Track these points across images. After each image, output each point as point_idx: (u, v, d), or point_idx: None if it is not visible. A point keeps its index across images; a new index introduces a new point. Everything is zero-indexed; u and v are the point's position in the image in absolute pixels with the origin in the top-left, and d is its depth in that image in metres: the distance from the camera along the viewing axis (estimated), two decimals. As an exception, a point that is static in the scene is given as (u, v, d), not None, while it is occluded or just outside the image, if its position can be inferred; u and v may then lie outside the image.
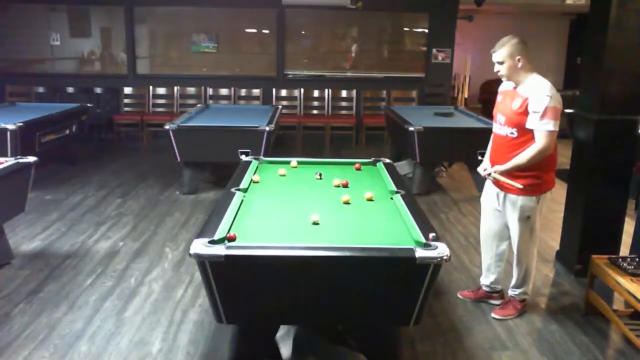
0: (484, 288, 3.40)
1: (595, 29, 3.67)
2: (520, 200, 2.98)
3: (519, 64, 2.87)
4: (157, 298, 3.38)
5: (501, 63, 2.90)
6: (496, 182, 3.07)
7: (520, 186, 2.87)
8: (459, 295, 3.46)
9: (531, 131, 2.85)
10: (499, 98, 3.13)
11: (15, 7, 8.19)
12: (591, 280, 3.25)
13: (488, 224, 3.27)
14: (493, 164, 3.05)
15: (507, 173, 2.94)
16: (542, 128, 2.79)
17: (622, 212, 3.76)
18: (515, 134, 2.90)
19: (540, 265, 3.99)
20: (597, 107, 3.62)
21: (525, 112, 2.83)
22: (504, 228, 3.19)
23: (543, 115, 2.76)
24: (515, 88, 2.96)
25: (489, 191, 3.20)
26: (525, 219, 3.01)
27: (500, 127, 3.00)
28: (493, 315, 3.22)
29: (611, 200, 3.72)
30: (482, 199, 3.30)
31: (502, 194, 3.07)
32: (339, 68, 8.64)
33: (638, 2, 3.47)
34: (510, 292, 3.26)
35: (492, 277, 3.35)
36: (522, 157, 2.86)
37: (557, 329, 3.13)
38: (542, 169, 2.92)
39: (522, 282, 3.21)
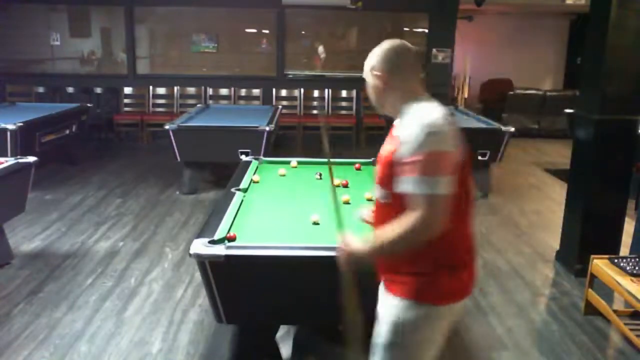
0: None
1: (595, 29, 3.67)
2: (394, 308, 1.69)
3: (380, 83, 1.74)
4: (157, 298, 3.38)
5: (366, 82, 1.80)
6: (380, 271, 1.81)
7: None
8: None
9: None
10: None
11: (15, 7, 8.19)
12: (591, 280, 3.25)
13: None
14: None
15: (385, 264, 1.75)
16: (413, 191, 1.54)
17: (622, 212, 3.76)
18: (389, 200, 1.67)
19: (540, 265, 3.99)
20: (597, 107, 3.62)
21: (391, 164, 1.62)
22: None
23: (411, 169, 1.54)
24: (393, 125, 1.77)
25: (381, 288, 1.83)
26: (393, 347, 1.71)
27: (376, 187, 1.75)
28: None
29: (611, 200, 3.72)
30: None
31: (383, 291, 1.78)
32: (338, 68, 8.64)
33: (638, 2, 3.47)
34: None
35: None
36: (383, 235, 1.62)
37: (557, 329, 3.13)
38: (433, 261, 1.64)
39: None
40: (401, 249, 1.60)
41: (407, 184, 1.56)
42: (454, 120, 1.64)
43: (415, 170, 1.53)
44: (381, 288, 1.80)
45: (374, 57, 1.77)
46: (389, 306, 1.70)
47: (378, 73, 1.73)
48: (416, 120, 1.59)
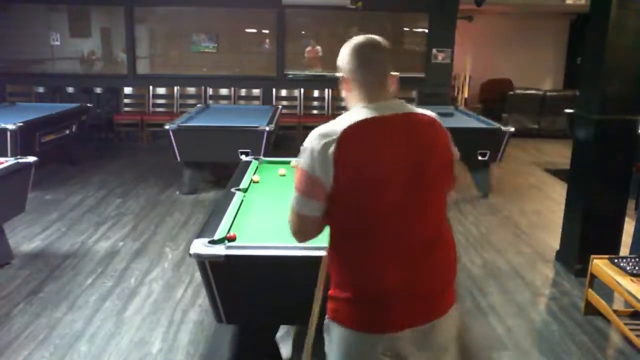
0: None
1: (595, 29, 3.67)
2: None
3: (344, 85, 1.60)
4: (157, 298, 3.38)
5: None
6: None
7: None
8: None
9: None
10: None
11: (15, 7, 8.19)
12: (591, 280, 3.25)
13: None
14: None
15: None
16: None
17: (622, 212, 3.76)
18: None
19: (541, 265, 3.99)
20: (597, 107, 3.62)
21: None
22: None
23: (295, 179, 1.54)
24: None
25: None
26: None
27: None
28: None
29: (611, 200, 3.72)
30: None
31: None
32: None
33: (638, 2, 3.47)
34: None
35: None
36: None
37: (557, 329, 3.13)
38: (336, 279, 1.54)
39: None
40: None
41: None
42: (372, 130, 1.44)
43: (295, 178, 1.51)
44: None
45: (339, 58, 1.59)
46: None
47: (341, 74, 1.59)
48: (317, 130, 1.49)
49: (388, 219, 1.45)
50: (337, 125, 1.45)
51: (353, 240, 1.48)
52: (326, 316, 1.59)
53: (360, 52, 1.53)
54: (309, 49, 8.59)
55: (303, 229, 1.54)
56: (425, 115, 1.55)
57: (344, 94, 1.60)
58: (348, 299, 1.49)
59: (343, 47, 1.59)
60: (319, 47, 8.59)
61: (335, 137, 1.41)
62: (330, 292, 1.55)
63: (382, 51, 1.56)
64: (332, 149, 1.40)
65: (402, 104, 1.55)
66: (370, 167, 1.42)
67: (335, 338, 1.55)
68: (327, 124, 1.48)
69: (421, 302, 1.49)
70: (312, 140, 1.45)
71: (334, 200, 1.45)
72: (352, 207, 1.45)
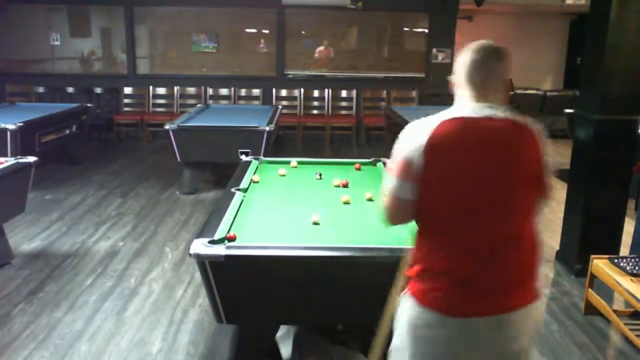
0: None
1: (595, 29, 3.66)
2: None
3: (453, 86, 1.72)
4: (157, 298, 3.38)
5: None
6: None
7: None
8: None
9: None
10: None
11: (15, 7, 8.19)
12: (591, 280, 3.25)
13: None
14: None
15: None
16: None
17: (622, 212, 3.76)
18: None
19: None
20: (597, 107, 3.62)
21: None
22: None
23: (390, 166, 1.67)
24: None
25: None
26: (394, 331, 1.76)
27: None
28: None
29: (611, 200, 3.72)
30: None
31: None
32: (338, 68, 8.65)
33: (638, 2, 3.47)
34: None
35: None
36: None
37: (557, 329, 3.13)
38: (418, 259, 1.66)
39: None
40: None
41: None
42: (462, 128, 1.55)
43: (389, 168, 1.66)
44: None
45: (457, 64, 1.71)
46: None
47: (452, 75, 1.72)
48: (416, 123, 1.63)
49: (469, 213, 1.55)
50: (434, 119, 1.58)
51: (436, 229, 1.61)
52: (404, 291, 1.70)
53: (476, 54, 1.65)
54: (321, 48, 8.59)
55: (397, 213, 1.66)
56: (522, 122, 1.59)
57: (454, 91, 1.71)
58: (427, 282, 1.60)
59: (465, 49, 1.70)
60: (331, 48, 8.59)
61: (429, 130, 1.54)
62: (410, 272, 1.67)
63: (495, 55, 1.66)
64: (424, 140, 1.53)
65: (503, 109, 1.60)
66: (457, 163, 1.54)
67: (408, 311, 1.65)
68: (426, 117, 1.60)
69: (493, 294, 1.57)
70: (409, 131, 1.60)
71: (422, 189, 1.56)
72: (437, 198, 1.57)
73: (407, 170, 1.56)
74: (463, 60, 1.66)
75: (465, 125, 1.55)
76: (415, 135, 1.56)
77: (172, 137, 5.30)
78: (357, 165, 3.71)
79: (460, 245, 1.57)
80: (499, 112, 1.57)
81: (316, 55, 8.60)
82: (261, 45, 8.55)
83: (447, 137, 1.53)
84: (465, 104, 1.62)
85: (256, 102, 8.41)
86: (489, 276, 1.56)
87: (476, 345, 1.57)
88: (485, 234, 1.56)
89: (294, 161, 3.74)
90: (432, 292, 1.58)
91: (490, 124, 1.55)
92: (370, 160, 3.82)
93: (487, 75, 1.62)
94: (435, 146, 1.52)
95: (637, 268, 3.04)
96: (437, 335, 1.58)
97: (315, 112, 8.54)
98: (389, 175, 1.64)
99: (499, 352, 1.60)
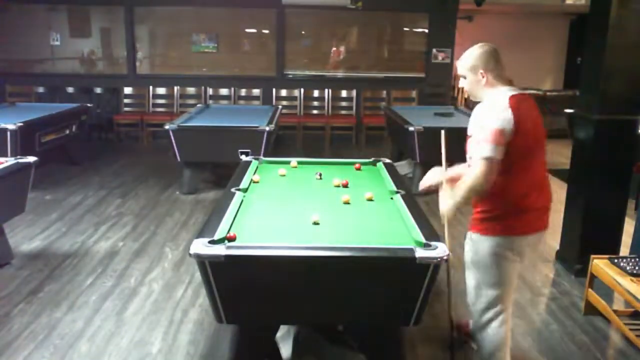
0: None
1: (595, 29, 3.67)
2: (470, 239, 2.46)
3: (483, 80, 2.30)
4: (157, 298, 3.38)
5: (464, 77, 2.39)
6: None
7: None
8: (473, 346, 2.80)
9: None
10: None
11: (15, 7, 8.19)
12: (591, 280, 3.25)
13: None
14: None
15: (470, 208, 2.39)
16: (477, 154, 2.19)
17: (622, 212, 3.76)
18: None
19: (540, 265, 3.99)
20: (597, 107, 3.62)
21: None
22: None
23: (482, 139, 2.18)
24: None
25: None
26: (477, 268, 2.43)
27: (468, 156, 2.38)
28: None
29: (611, 200, 3.72)
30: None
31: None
32: (334, 68, 8.65)
33: (638, 2, 3.47)
34: None
35: None
36: (459, 187, 2.31)
37: (557, 329, 3.13)
38: (501, 206, 2.29)
39: None
40: (466, 196, 2.28)
41: (474, 148, 2.23)
42: (519, 101, 2.24)
43: (482, 139, 2.19)
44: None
45: (472, 59, 2.34)
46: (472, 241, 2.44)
47: (481, 70, 2.31)
48: (491, 103, 2.25)
49: (533, 160, 2.30)
50: (502, 100, 2.23)
51: (512, 173, 2.24)
52: (472, 232, 2.43)
53: (494, 53, 2.34)
54: (334, 49, 8.59)
55: (492, 174, 2.19)
56: (531, 96, 2.40)
57: (475, 84, 2.34)
58: (500, 215, 2.30)
59: (475, 50, 2.36)
60: (342, 49, 8.60)
61: (507, 107, 2.20)
62: (480, 215, 2.37)
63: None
64: (510, 114, 2.18)
65: (516, 88, 2.32)
66: (528, 123, 2.23)
67: (484, 246, 2.36)
68: (493, 102, 2.25)
69: (542, 215, 2.36)
70: (498, 110, 2.20)
71: (510, 149, 2.19)
72: (520, 151, 2.22)
73: (502, 137, 2.16)
74: (492, 57, 2.32)
75: (520, 100, 2.25)
76: (500, 113, 2.19)
77: (172, 137, 5.30)
78: (357, 165, 3.71)
79: (533, 180, 2.30)
80: (519, 90, 2.31)
81: (332, 56, 8.60)
82: (246, 47, 8.53)
83: (519, 109, 2.21)
84: (504, 87, 2.30)
85: (256, 102, 8.42)
86: (542, 202, 2.34)
87: (527, 253, 2.40)
88: (542, 171, 2.35)
89: (294, 161, 3.74)
90: (511, 223, 2.30)
91: (526, 98, 2.31)
92: (370, 160, 3.82)
93: (503, 67, 2.34)
94: (517, 117, 2.18)
95: (637, 268, 3.04)
96: (515, 253, 2.33)
97: (315, 112, 8.54)
98: (485, 146, 2.16)
99: (531, 257, 2.38)
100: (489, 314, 2.44)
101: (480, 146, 2.17)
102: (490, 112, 2.20)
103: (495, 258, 2.35)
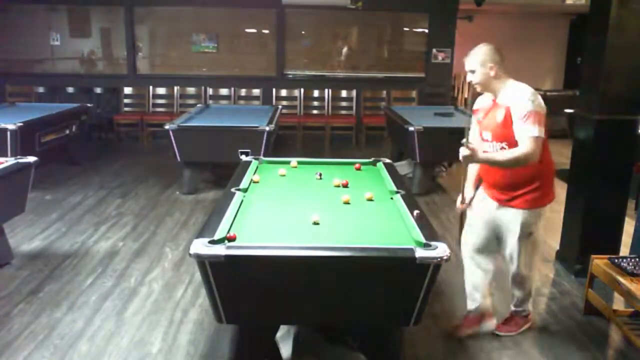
0: (473, 313, 3.04)
1: (595, 29, 3.67)
2: (521, 215, 2.77)
3: (492, 72, 2.66)
4: (157, 298, 3.38)
5: (473, 72, 2.70)
6: (496, 195, 2.85)
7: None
8: (462, 335, 3.01)
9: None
10: (479, 116, 2.88)
11: (15, 7, 8.19)
12: (591, 280, 3.25)
13: (476, 239, 2.99)
14: (488, 185, 2.89)
15: (504, 187, 2.78)
16: (525, 134, 2.55)
17: (622, 212, 3.76)
18: (507, 148, 2.66)
19: (540, 265, 3.99)
20: (597, 107, 3.62)
21: (510, 122, 2.61)
22: (493, 243, 2.97)
23: (525, 121, 2.55)
24: (494, 100, 2.76)
25: (484, 202, 2.93)
26: (527, 236, 2.81)
27: (489, 144, 2.76)
28: (496, 331, 3.02)
29: (611, 200, 3.72)
30: (473, 211, 3.00)
31: (501, 207, 2.84)
32: (339, 68, 8.65)
33: (638, 2, 3.47)
34: (513, 309, 3.08)
35: (479, 299, 3.01)
36: (503, 155, 2.65)
37: (557, 329, 3.13)
38: (541, 180, 2.74)
39: (523, 301, 3.04)
40: (510, 164, 2.63)
41: (521, 130, 2.56)
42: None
43: (527, 121, 2.55)
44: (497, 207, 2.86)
45: (481, 54, 2.68)
46: (517, 216, 2.78)
47: (490, 64, 2.66)
48: (522, 92, 2.62)
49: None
50: (527, 87, 2.66)
51: (545, 152, 2.70)
52: (529, 212, 2.77)
53: (499, 50, 2.71)
54: (346, 48, 8.60)
55: (540, 150, 2.58)
56: None
57: (486, 78, 2.69)
58: (548, 189, 2.79)
59: (482, 47, 2.71)
60: (345, 49, 8.60)
61: (534, 90, 2.65)
62: (532, 195, 2.74)
63: None
64: (539, 97, 2.63)
65: None
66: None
67: (537, 215, 2.79)
68: (523, 87, 2.67)
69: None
70: (534, 95, 2.60)
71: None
72: (546, 129, 2.60)
73: (543, 120, 2.56)
74: (498, 52, 2.70)
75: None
76: (534, 97, 2.58)
77: (172, 137, 5.30)
78: (357, 165, 3.70)
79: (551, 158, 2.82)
80: None
81: (342, 57, 8.62)
82: (246, 47, 8.52)
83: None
84: (511, 80, 2.72)
85: (256, 102, 8.42)
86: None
87: None
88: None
89: (294, 161, 3.74)
90: (549, 194, 2.80)
91: None
92: (370, 160, 3.81)
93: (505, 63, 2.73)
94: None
95: (637, 268, 3.04)
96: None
97: (315, 112, 8.54)
98: (531, 127, 2.54)
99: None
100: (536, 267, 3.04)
101: (527, 127, 2.55)
102: (524, 97, 2.58)
103: (537, 227, 2.82)
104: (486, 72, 2.66)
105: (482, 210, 2.94)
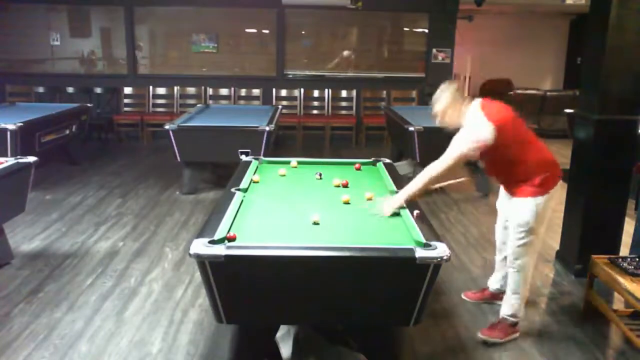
0: (491, 289, 3.38)
1: (595, 29, 3.67)
2: (520, 203, 2.89)
3: (457, 112, 2.84)
4: (157, 298, 3.38)
5: (440, 116, 2.90)
6: (505, 186, 3.08)
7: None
8: (463, 297, 3.45)
9: (497, 146, 2.72)
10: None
11: (15, 7, 8.19)
12: (591, 280, 3.25)
13: (500, 228, 3.26)
14: (505, 185, 3.10)
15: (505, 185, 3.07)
16: (449, 148, 2.76)
17: (622, 212, 3.76)
18: (511, 159, 2.85)
19: (540, 265, 3.99)
20: (597, 107, 3.62)
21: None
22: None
23: (456, 138, 2.75)
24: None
25: (502, 195, 3.20)
26: (525, 225, 2.88)
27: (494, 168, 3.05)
28: (479, 334, 2.98)
29: (611, 200, 3.72)
30: (497, 202, 3.29)
31: (509, 197, 3.05)
32: (340, 68, 8.65)
33: (638, 2, 3.47)
34: (502, 314, 3.02)
35: (500, 280, 3.29)
36: (415, 181, 2.81)
37: (557, 329, 3.13)
38: (528, 173, 2.85)
39: (514, 306, 2.98)
40: (429, 184, 2.79)
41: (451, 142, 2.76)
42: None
43: (456, 137, 2.79)
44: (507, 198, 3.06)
45: (444, 101, 2.85)
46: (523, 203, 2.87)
47: (456, 106, 2.84)
48: (472, 113, 2.78)
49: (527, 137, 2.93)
50: (482, 115, 2.77)
51: (534, 153, 2.92)
52: (530, 198, 2.84)
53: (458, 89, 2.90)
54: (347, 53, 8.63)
55: (446, 164, 2.76)
56: None
57: (452, 121, 2.89)
58: (545, 180, 2.87)
59: (442, 94, 2.88)
60: (347, 52, 8.60)
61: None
62: (534, 187, 2.84)
63: None
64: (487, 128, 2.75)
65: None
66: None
67: (535, 204, 2.84)
68: (476, 114, 2.79)
69: None
70: (482, 125, 2.74)
71: None
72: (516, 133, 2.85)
73: (472, 145, 2.73)
74: (457, 93, 2.86)
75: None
76: (486, 127, 2.71)
77: (172, 137, 5.30)
78: (357, 165, 3.70)
79: (538, 159, 2.91)
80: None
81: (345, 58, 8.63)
82: (246, 47, 8.52)
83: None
84: (471, 104, 2.85)
85: (256, 102, 8.42)
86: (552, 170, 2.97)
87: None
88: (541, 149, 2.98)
89: (294, 161, 3.74)
90: (549, 184, 2.87)
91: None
92: (370, 160, 3.82)
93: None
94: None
95: (637, 268, 3.04)
96: (551, 201, 2.90)
97: (315, 112, 8.54)
98: (456, 146, 2.72)
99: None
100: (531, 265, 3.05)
101: (451, 143, 2.79)
102: (474, 120, 2.77)
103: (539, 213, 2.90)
104: (455, 113, 2.85)
105: (501, 203, 3.23)
